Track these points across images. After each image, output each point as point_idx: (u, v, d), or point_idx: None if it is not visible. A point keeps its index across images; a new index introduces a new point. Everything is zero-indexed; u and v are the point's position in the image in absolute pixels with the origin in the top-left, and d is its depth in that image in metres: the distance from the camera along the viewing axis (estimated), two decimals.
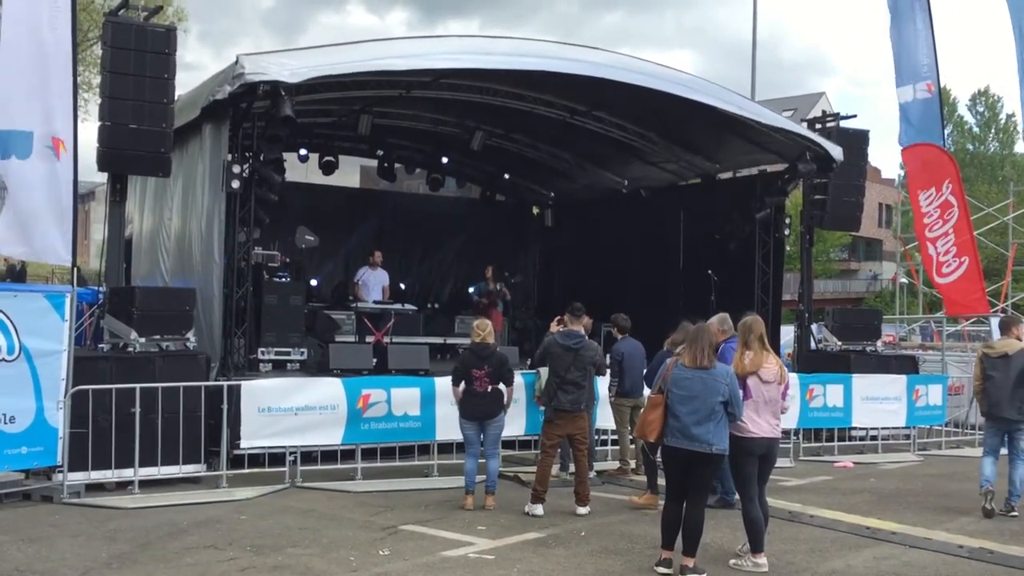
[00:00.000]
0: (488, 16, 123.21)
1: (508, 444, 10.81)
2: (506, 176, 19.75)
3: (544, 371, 9.16)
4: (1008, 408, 9.07)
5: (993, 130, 50.49)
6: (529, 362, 11.45)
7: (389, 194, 20.29)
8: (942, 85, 18.08)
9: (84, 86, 25.18)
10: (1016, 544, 7.81)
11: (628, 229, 18.04)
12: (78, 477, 8.84)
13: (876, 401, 12.98)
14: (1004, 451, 9.34)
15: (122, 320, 9.88)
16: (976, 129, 50.82)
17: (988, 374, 9.21)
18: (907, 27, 17.96)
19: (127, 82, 9.91)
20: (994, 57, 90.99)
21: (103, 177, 10.65)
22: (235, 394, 9.49)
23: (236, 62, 10.41)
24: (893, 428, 13.55)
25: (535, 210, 20.91)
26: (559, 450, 9.43)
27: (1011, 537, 8.14)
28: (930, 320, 23.52)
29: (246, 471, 9.56)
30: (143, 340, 9.72)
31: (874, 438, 13.34)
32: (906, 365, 14.48)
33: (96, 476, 8.99)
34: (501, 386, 8.96)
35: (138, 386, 9.09)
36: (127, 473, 9.07)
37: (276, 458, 9.85)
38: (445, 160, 18.97)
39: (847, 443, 13.05)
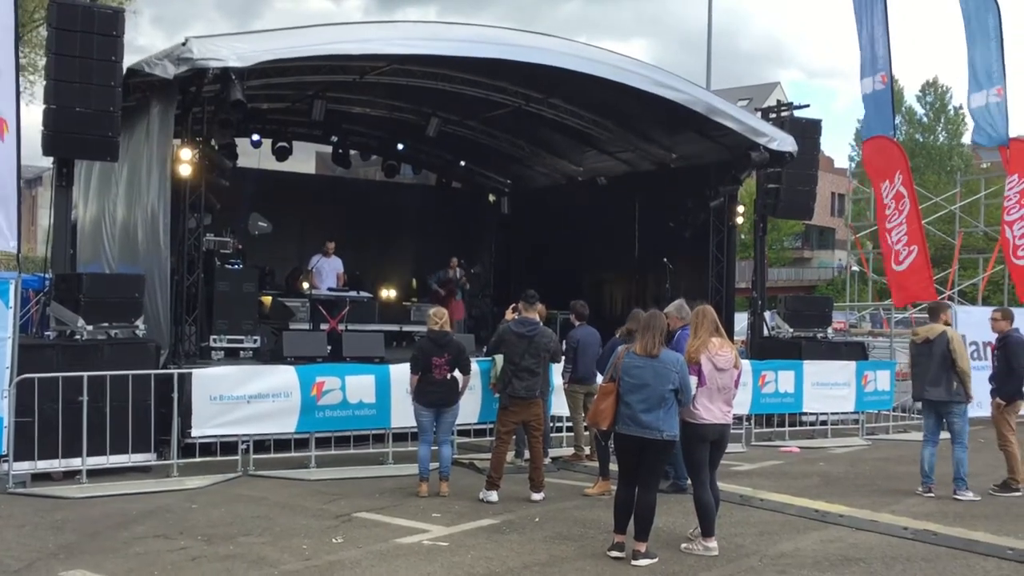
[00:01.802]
0: (446, 4, 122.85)
1: (463, 431, 10.83)
2: (462, 163, 19.72)
3: (499, 358, 9.18)
4: (933, 390, 9.28)
5: (942, 121, 51.25)
6: (485, 349, 11.46)
7: (344, 180, 20.13)
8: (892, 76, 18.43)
9: (30, 68, 24.54)
10: (959, 525, 7.99)
11: (584, 217, 18.08)
12: (24, 467, 8.68)
13: (826, 387, 13.18)
14: (946, 434, 9.56)
15: (69, 307, 9.68)
16: (925, 120, 51.57)
17: (915, 360, 9.51)
18: (871, 19, 18.27)
19: (73, 64, 9.68)
20: (942, 48, 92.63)
21: (51, 161, 10.42)
22: (186, 382, 9.37)
23: (184, 44, 10.22)
24: (842, 413, 13.77)
25: (491, 197, 20.87)
26: (514, 437, 9.46)
27: (954, 519, 8.33)
28: (879, 307, 23.94)
29: (197, 460, 9.44)
30: (90, 327, 9.54)
31: (824, 423, 13.56)
32: (855, 351, 14.70)
33: (43, 466, 8.82)
34: (457, 373, 8.96)
35: (85, 374, 8.92)
36: (75, 463, 8.92)
37: (228, 447, 9.75)
38: (400, 147, 18.89)
39: (798, 428, 13.26)
